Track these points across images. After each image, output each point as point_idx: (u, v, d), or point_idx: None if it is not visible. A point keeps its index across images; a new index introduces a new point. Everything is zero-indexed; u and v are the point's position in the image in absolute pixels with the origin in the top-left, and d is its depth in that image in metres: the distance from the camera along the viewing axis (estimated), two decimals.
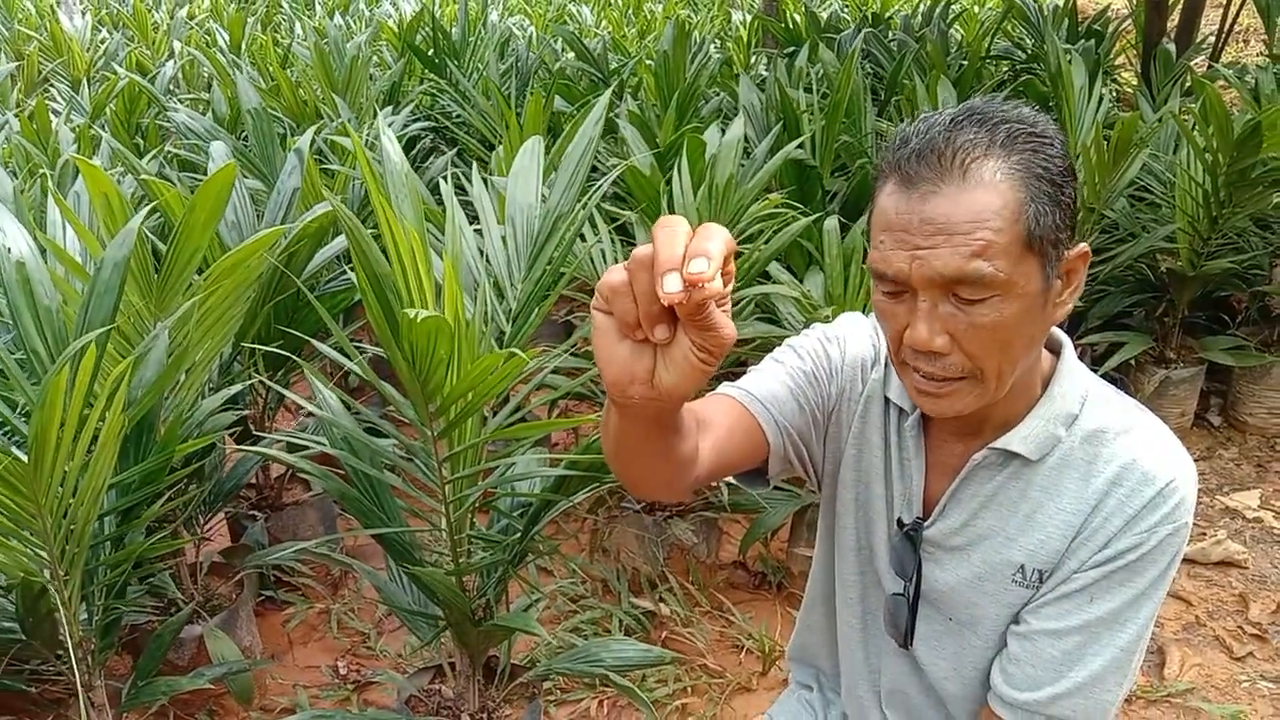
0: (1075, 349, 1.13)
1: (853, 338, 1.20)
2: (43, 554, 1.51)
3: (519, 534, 1.69)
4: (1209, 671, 2.37)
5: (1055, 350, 1.10)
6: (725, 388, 1.17)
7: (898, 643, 1.20)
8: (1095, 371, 1.11)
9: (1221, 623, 2.54)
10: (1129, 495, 1.03)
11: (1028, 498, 1.08)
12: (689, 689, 2.24)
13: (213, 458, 2.09)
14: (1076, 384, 1.07)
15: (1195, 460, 2.98)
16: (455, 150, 3.64)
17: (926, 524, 1.14)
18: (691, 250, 0.69)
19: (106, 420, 1.48)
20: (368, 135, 2.81)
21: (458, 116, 4.12)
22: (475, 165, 2.17)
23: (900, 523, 1.15)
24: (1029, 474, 1.07)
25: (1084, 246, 0.99)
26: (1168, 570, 1.05)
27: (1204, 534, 2.87)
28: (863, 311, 1.31)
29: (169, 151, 3.35)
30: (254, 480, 2.51)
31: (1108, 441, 1.05)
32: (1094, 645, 1.06)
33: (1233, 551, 2.79)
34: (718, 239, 0.71)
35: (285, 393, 1.68)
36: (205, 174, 2.69)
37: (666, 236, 0.71)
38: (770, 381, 1.16)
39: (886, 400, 1.15)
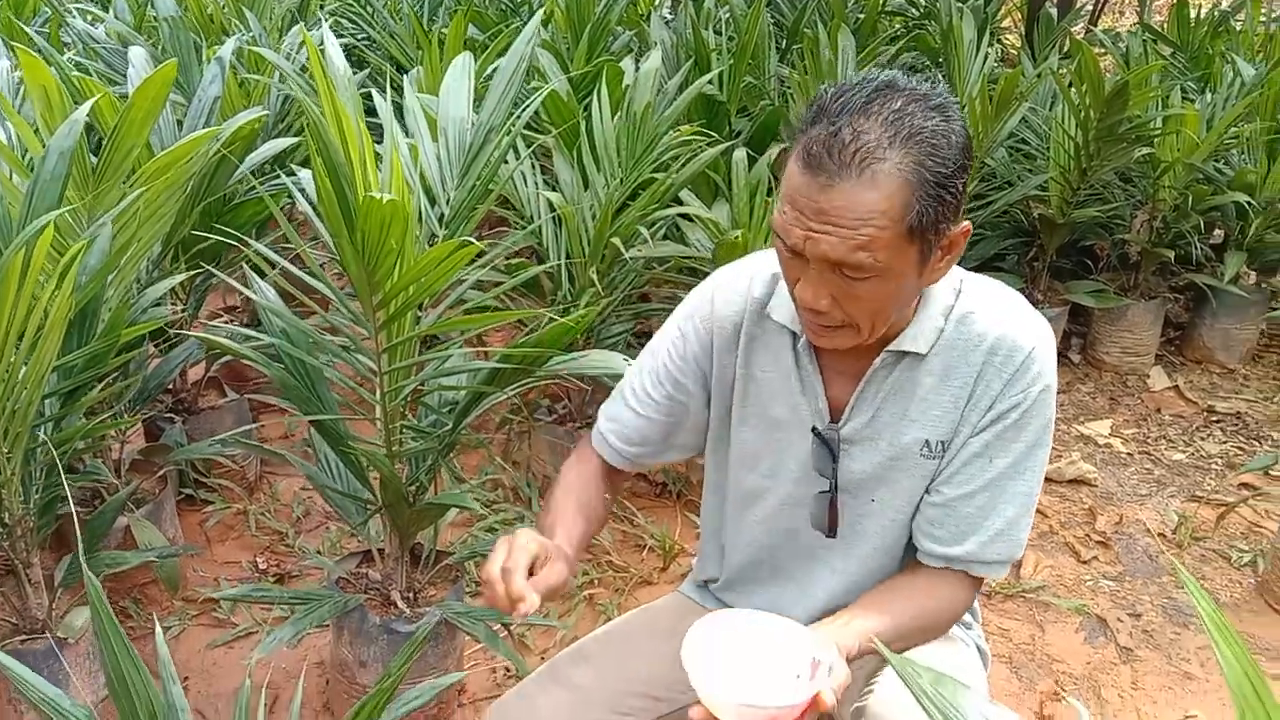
0: None
1: (704, 306, 1.36)
2: None
3: (449, 427, 1.81)
4: (1059, 572, 2.66)
5: None
6: (595, 444, 1.44)
7: (824, 534, 1.37)
8: None
9: (1072, 531, 2.84)
10: (1004, 362, 1.23)
11: (922, 383, 1.26)
12: (595, 581, 2.41)
13: (138, 356, 2.13)
14: (950, 277, 1.25)
15: (1057, 392, 3.29)
16: (366, 71, 3.66)
17: (840, 426, 1.31)
18: (514, 595, 1.09)
19: (55, 302, 1.54)
20: (287, 48, 2.83)
21: (364, 38, 4.12)
22: (389, 85, 2.24)
23: (815, 430, 1.32)
24: (921, 364, 1.25)
25: (966, 225, 1.15)
26: (1049, 422, 1.26)
27: (1060, 455, 3.17)
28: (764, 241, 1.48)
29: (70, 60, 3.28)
30: (170, 386, 2.55)
31: (977, 320, 1.24)
32: (1003, 496, 1.27)
33: (1084, 471, 3.09)
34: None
35: (228, 280, 1.74)
36: (119, 82, 2.68)
37: (490, 594, 1.11)
38: (631, 417, 1.40)
39: (775, 326, 1.31)
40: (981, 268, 3.61)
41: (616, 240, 2.20)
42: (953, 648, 1.40)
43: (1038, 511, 2.88)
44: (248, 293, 1.69)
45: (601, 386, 2.64)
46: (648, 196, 2.29)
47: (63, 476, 1.61)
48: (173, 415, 2.49)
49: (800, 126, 1.12)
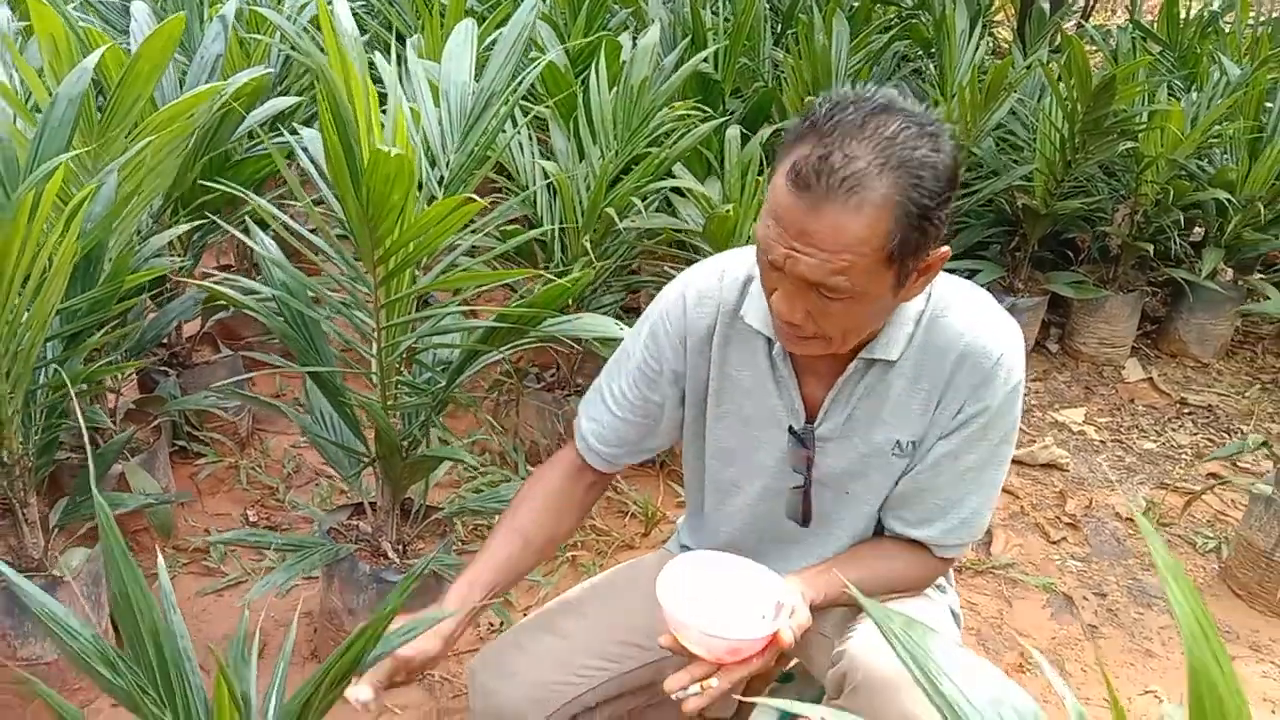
0: None
1: (676, 308, 1.39)
2: None
3: (442, 385, 1.86)
4: (1028, 551, 2.73)
5: None
6: (579, 447, 1.48)
7: (799, 524, 1.43)
8: None
9: (1042, 513, 2.91)
10: (972, 369, 1.27)
11: (894, 386, 1.31)
12: (579, 544, 2.46)
13: (135, 307, 2.16)
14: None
15: (1033, 380, 3.36)
16: (366, 37, 3.67)
17: (815, 426, 1.37)
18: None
19: (62, 246, 1.57)
20: (288, 10, 2.85)
21: (363, 5, 4.13)
22: (392, 52, 2.27)
23: (792, 429, 1.38)
24: (892, 368, 1.30)
25: (945, 250, 1.18)
26: (1015, 419, 1.32)
27: (1033, 440, 3.24)
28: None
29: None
30: (165, 340, 2.58)
31: (948, 326, 1.28)
32: (970, 489, 1.35)
33: (1057, 456, 3.16)
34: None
35: (232, 230, 1.78)
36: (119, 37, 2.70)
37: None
38: (609, 418, 1.45)
39: (749, 329, 1.35)
40: (964, 255, 3.67)
41: (610, 210, 2.24)
42: (926, 602, 1.46)
43: (1009, 493, 2.97)
44: (250, 243, 1.73)
45: (591, 355, 2.70)
46: (642, 169, 2.33)
47: (78, 415, 1.64)
48: (167, 369, 2.52)
49: (791, 138, 1.14)
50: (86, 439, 1.09)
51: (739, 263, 1.37)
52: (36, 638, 1.79)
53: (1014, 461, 3.03)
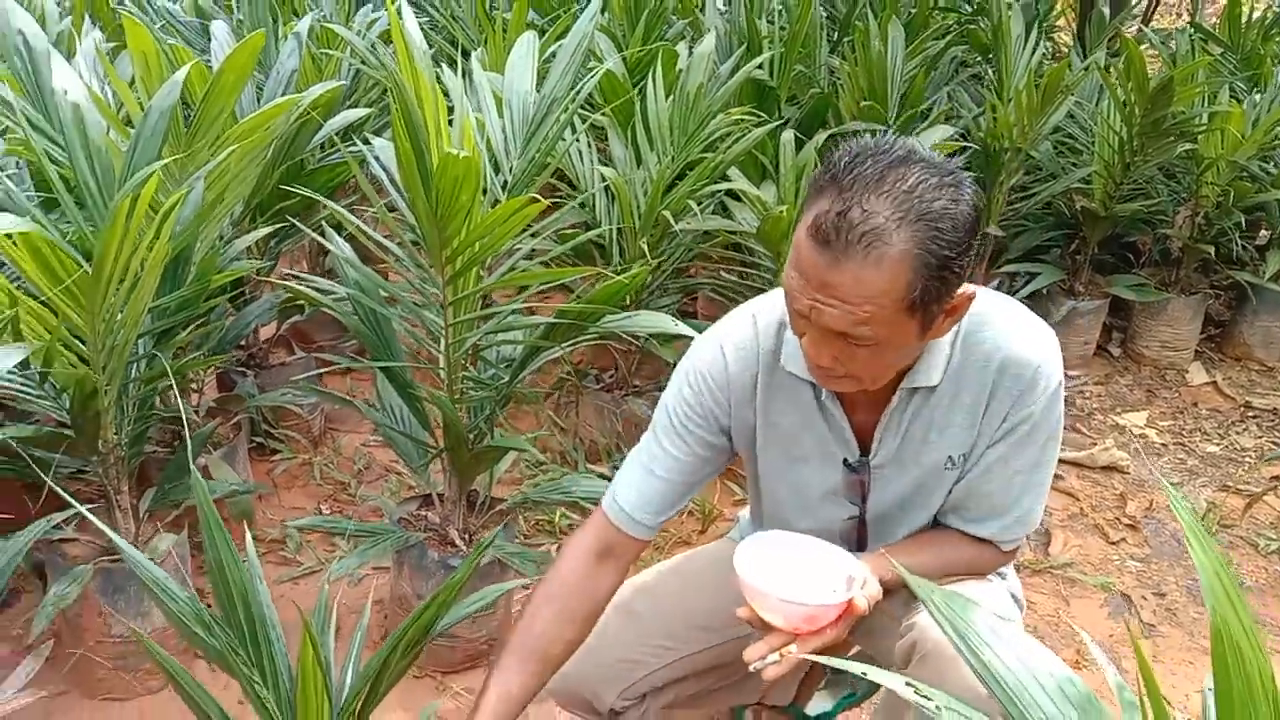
0: (992, 279, 1.42)
1: (716, 364, 1.40)
2: (90, 363, 1.71)
3: (506, 380, 1.94)
4: (1087, 551, 2.73)
5: None
6: (614, 519, 1.43)
7: (853, 550, 1.46)
8: (1011, 297, 1.39)
9: (1102, 514, 2.91)
10: (1012, 381, 1.31)
11: (939, 408, 1.35)
12: None
13: (216, 309, 2.28)
14: None
15: (1095, 384, 3.35)
16: (431, 51, 3.80)
17: (870, 458, 1.41)
18: None
19: (154, 248, 1.68)
20: (357, 27, 2.98)
21: (427, 20, 4.27)
22: (457, 65, 2.37)
23: (846, 462, 1.42)
24: (934, 393, 1.34)
25: (970, 290, 1.20)
26: (1059, 419, 1.35)
27: (1094, 443, 3.23)
28: None
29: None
30: (242, 344, 2.71)
31: (983, 341, 1.31)
32: (1021, 489, 1.37)
33: (1118, 458, 3.15)
34: None
35: (309, 231, 1.88)
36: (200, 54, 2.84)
37: None
38: (654, 483, 1.42)
39: (791, 378, 1.37)
40: (1023, 259, 3.68)
41: (667, 213, 2.31)
42: (986, 584, 1.49)
43: (1069, 495, 2.97)
44: (326, 244, 1.83)
45: (649, 357, 2.77)
46: (698, 173, 2.40)
47: (178, 399, 1.74)
48: (245, 369, 2.64)
49: (813, 190, 1.16)
50: (184, 415, 1.18)
51: (769, 309, 1.40)
52: (131, 615, 1.90)
53: (1074, 464, 3.07)
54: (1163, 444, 3.33)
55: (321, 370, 2.61)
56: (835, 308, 1.14)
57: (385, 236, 1.89)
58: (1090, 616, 2.47)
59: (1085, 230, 3.65)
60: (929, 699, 0.91)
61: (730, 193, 2.62)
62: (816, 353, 1.21)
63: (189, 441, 1.33)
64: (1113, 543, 2.78)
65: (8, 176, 1.85)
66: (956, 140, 2.93)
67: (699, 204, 2.47)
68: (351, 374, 3.07)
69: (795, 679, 1.91)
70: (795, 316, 1.21)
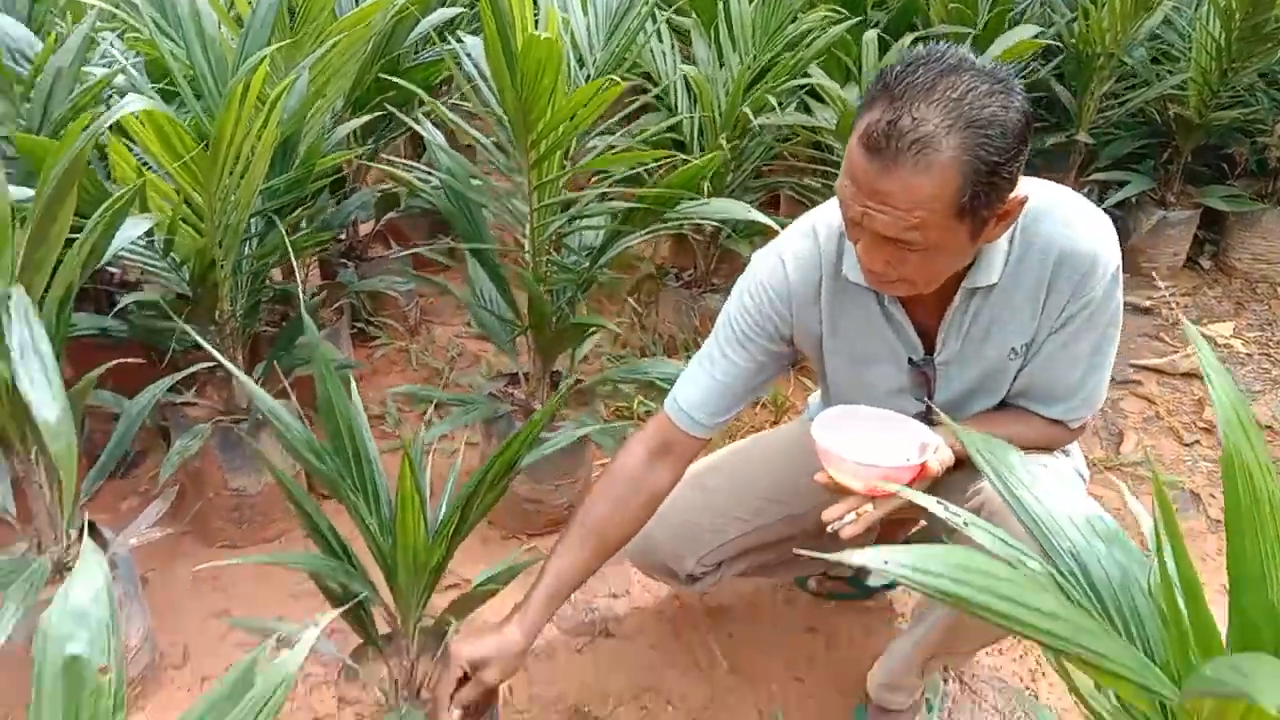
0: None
1: (777, 273, 1.47)
2: (208, 237, 1.87)
3: (587, 265, 2.05)
4: (1160, 451, 2.76)
5: None
6: (674, 419, 1.53)
7: None
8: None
9: (1178, 418, 2.92)
10: (1070, 273, 1.36)
11: (1000, 304, 1.41)
12: None
13: (320, 200, 2.43)
14: None
15: (1182, 295, 3.33)
16: None
17: (935, 356, 1.48)
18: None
19: (264, 133, 1.82)
20: None
21: None
22: None
23: (912, 361, 1.49)
24: (995, 289, 1.40)
25: (1022, 194, 1.24)
26: (1118, 303, 1.40)
27: (1175, 350, 3.22)
28: None
29: None
30: (343, 238, 2.87)
31: (1039, 235, 1.36)
32: (1085, 372, 1.44)
33: (1198, 364, 3.13)
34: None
35: (405, 119, 2.00)
36: None
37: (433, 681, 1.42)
38: (712, 384, 1.51)
39: (854, 286, 1.43)
40: (1113, 166, 3.63)
41: (747, 110, 2.37)
42: (1050, 458, 1.55)
43: (1146, 399, 2.99)
44: (421, 130, 1.95)
45: (728, 255, 2.85)
46: (780, 69, 2.44)
47: (295, 265, 1.89)
48: (345, 261, 2.81)
49: (866, 100, 1.21)
50: (298, 275, 1.31)
51: (827, 220, 1.45)
52: (245, 472, 2.09)
53: (1154, 370, 3.08)
54: (1247, 354, 3.29)
55: (416, 250, 2.75)
56: (886, 214, 1.19)
57: (476, 127, 2.00)
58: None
59: (1178, 139, 3.57)
60: (956, 515, 1.00)
61: (812, 94, 2.66)
62: (870, 258, 1.27)
63: (302, 300, 1.46)
64: (1186, 445, 2.79)
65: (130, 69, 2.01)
66: (1045, 42, 2.89)
67: (779, 101, 2.52)
68: (445, 271, 3.22)
69: (853, 561, 2.02)
70: (849, 224, 1.27)
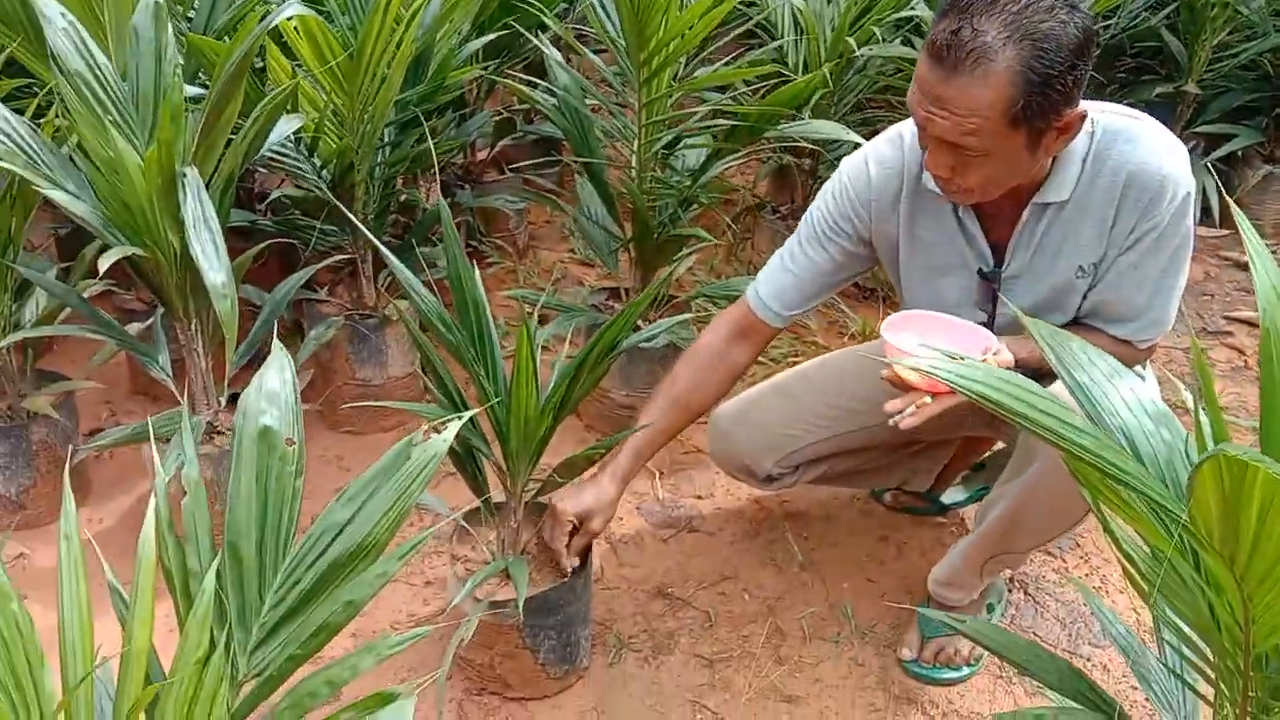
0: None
1: (860, 178, 1.57)
2: (348, 141, 2.06)
3: (689, 184, 2.19)
4: (1245, 399, 2.78)
5: None
6: (753, 307, 1.69)
7: None
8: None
9: None
10: (1138, 195, 1.43)
11: (1069, 220, 1.49)
12: (799, 354, 2.76)
13: (445, 116, 2.61)
14: (1085, 123, 1.39)
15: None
16: None
17: (1003, 269, 1.57)
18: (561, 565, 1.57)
19: (401, 46, 1.99)
20: None
21: None
22: None
23: (981, 272, 1.58)
24: (1066, 207, 1.48)
25: (1081, 110, 1.32)
26: (1188, 229, 1.47)
27: None
28: None
29: None
30: (460, 160, 3.05)
31: (1112, 157, 1.43)
32: (1153, 293, 1.51)
33: None
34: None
35: (527, 35, 2.15)
36: None
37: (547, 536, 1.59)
38: (789, 279, 1.65)
39: (932, 195, 1.52)
40: (1221, 120, 3.59)
41: (851, 40, 2.45)
42: None
43: (1235, 349, 3.00)
44: (542, 45, 2.10)
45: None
46: (885, 2, 2.52)
47: (395, 192, 2.06)
48: (462, 184, 2.99)
49: (938, 13, 1.32)
50: (436, 173, 1.48)
51: (915, 129, 1.51)
52: (370, 365, 2.30)
53: (1245, 322, 3.08)
54: None
55: (529, 171, 2.91)
56: (946, 119, 1.30)
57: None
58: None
59: None
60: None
61: (916, 30, 2.73)
62: (934, 163, 1.38)
63: (438, 185, 1.62)
64: None
65: None
66: None
67: (884, 34, 2.59)
68: (554, 194, 3.38)
69: (933, 466, 2.13)
70: (919, 130, 1.39)
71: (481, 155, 3.12)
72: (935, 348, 1.46)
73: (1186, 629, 1.02)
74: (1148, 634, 1.87)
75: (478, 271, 1.57)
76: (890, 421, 1.47)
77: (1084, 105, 1.40)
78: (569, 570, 1.59)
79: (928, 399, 1.45)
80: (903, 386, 1.47)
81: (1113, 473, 0.83)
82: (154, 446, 0.89)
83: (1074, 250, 1.51)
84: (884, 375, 1.49)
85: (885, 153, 1.59)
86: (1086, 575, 2.09)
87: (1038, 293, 1.56)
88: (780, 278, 1.67)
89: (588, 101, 2.19)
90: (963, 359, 1.00)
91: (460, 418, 0.98)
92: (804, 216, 1.68)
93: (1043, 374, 1.51)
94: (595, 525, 1.59)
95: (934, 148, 1.37)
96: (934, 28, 1.29)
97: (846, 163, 1.63)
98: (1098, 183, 1.45)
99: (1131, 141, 1.43)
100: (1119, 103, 1.54)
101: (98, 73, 1.64)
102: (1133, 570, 1.05)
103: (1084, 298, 1.56)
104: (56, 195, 1.60)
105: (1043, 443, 1.45)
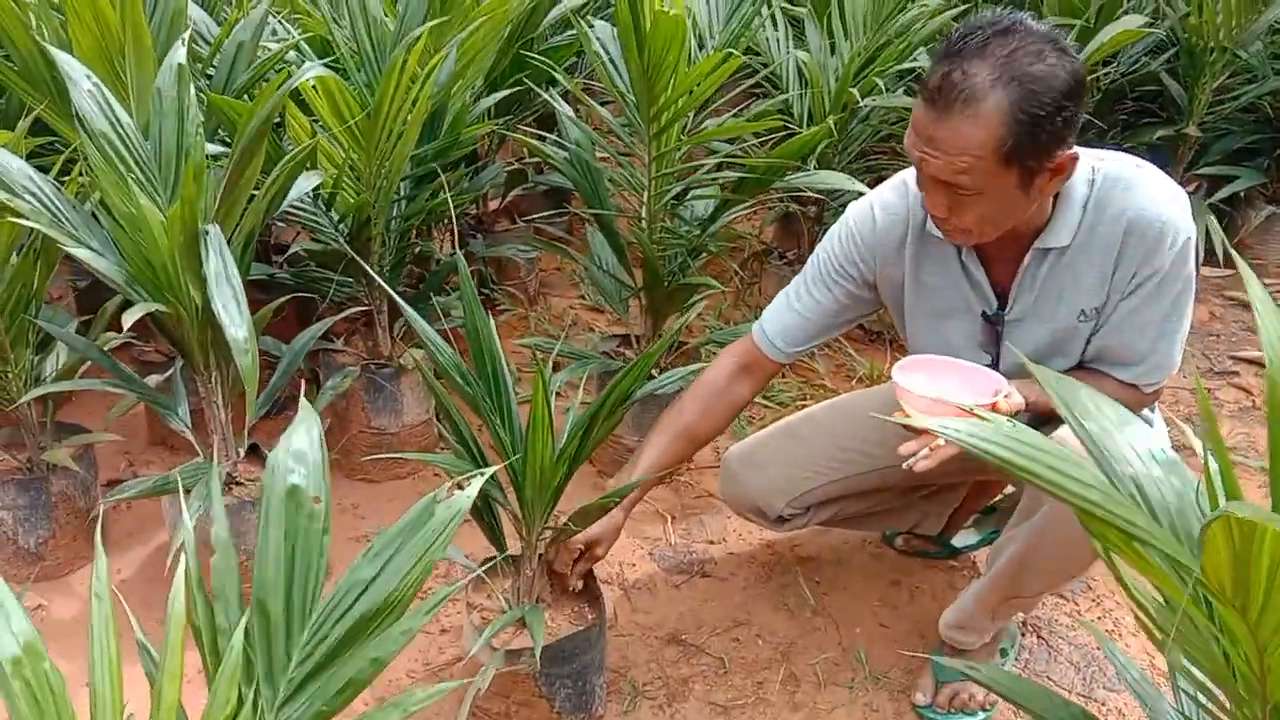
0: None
1: (866, 223, 1.62)
2: (365, 196, 2.10)
3: (698, 234, 2.22)
4: (1253, 440, 2.79)
5: None
6: (758, 342, 1.74)
7: None
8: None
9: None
10: (1139, 241, 1.46)
11: (1071, 266, 1.52)
12: (807, 396, 2.78)
13: (458, 169, 2.65)
14: (1082, 168, 1.45)
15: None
16: None
17: (1006, 312, 1.60)
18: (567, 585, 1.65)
19: (417, 103, 2.03)
20: None
21: None
22: None
23: (985, 315, 1.61)
24: (1067, 253, 1.51)
25: (1074, 152, 1.36)
26: (1190, 273, 1.49)
27: None
28: None
29: None
30: (473, 210, 3.10)
31: (1113, 203, 1.47)
32: (1156, 337, 1.53)
33: None
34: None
35: (540, 92, 2.20)
36: None
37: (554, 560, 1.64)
38: (793, 318, 1.69)
39: (937, 240, 1.56)
40: (1223, 162, 3.63)
41: (854, 91, 2.50)
42: None
43: (1243, 389, 3.02)
44: (554, 101, 2.15)
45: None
46: (888, 54, 2.57)
47: (410, 245, 2.11)
48: (475, 233, 3.04)
49: (932, 61, 1.37)
50: (454, 226, 1.51)
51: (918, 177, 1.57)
52: (385, 413, 2.32)
53: (1251, 362, 3.09)
54: None
55: (540, 221, 2.96)
56: (939, 158, 1.34)
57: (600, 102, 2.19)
58: (1249, 497, 2.55)
59: None
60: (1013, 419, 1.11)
61: (919, 79, 2.77)
62: (932, 202, 1.42)
63: (455, 237, 1.65)
64: None
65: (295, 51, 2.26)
66: (1151, 30, 2.94)
67: (886, 85, 2.65)
68: (561, 242, 3.42)
69: (943, 509, 2.14)
70: (916, 170, 1.43)
71: (493, 205, 3.17)
72: (946, 395, 1.49)
73: (1202, 676, 1.03)
74: (1162, 678, 1.87)
75: (492, 321, 1.60)
76: (905, 465, 1.49)
77: (1085, 152, 1.44)
78: (575, 589, 1.67)
79: (940, 441, 1.47)
80: (916, 430, 1.49)
81: (1124, 527, 0.84)
82: (184, 504, 0.91)
83: (1075, 295, 1.53)
84: (895, 418, 1.51)
85: (890, 199, 1.63)
86: (1099, 619, 2.09)
87: (1041, 336, 1.58)
88: (785, 316, 1.72)
89: (597, 154, 2.24)
90: (971, 410, 1.02)
91: (483, 473, 1.00)
92: (810, 258, 1.73)
93: (1053, 417, 1.54)
94: (600, 551, 1.66)
95: (930, 187, 1.41)
96: (929, 73, 1.35)
97: (853, 208, 1.68)
98: (1098, 229, 1.48)
99: (1131, 188, 1.46)
100: (1120, 147, 1.58)
101: (121, 132, 1.68)
102: (1145, 619, 1.06)
103: (1088, 342, 1.58)
104: (81, 253, 1.64)
105: None
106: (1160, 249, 1.45)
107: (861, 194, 1.99)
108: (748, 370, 1.77)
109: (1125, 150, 1.56)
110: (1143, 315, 1.51)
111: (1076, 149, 1.38)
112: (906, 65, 2.63)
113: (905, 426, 1.50)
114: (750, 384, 1.77)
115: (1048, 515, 1.56)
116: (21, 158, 1.69)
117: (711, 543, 2.27)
